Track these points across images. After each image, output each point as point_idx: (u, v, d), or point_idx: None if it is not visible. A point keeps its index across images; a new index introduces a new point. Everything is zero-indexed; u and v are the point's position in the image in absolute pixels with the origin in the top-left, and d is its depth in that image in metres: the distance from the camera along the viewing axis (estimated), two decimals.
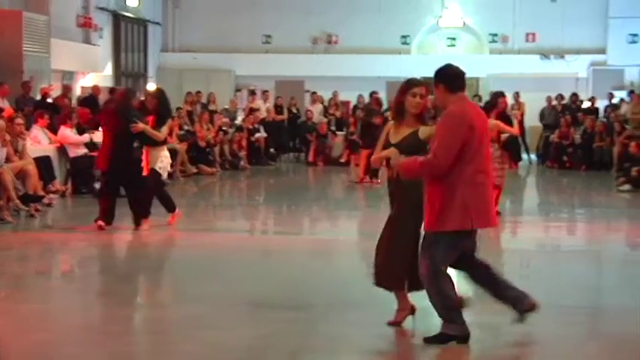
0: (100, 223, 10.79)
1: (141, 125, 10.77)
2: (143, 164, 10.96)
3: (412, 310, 6.37)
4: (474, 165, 5.73)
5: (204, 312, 6.85)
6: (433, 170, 5.74)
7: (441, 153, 5.68)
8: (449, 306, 5.84)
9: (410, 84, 6.34)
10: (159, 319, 6.82)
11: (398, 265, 6.21)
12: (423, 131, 6.24)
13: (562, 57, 24.99)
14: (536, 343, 6.19)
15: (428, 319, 6.16)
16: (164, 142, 11.26)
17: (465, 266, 6.02)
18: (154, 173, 11.03)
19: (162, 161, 11.15)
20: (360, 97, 23.13)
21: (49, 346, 5.96)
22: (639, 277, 9.07)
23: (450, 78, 5.91)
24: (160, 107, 11.07)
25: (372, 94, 22.59)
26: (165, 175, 11.67)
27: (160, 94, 11.44)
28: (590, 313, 7.29)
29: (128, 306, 7.45)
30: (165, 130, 11.12)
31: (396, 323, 6.32)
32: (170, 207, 11.34)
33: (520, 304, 5.95)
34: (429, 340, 5.91)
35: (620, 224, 13.01)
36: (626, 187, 16.29)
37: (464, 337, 5.85)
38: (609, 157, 20.38)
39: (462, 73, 5.95)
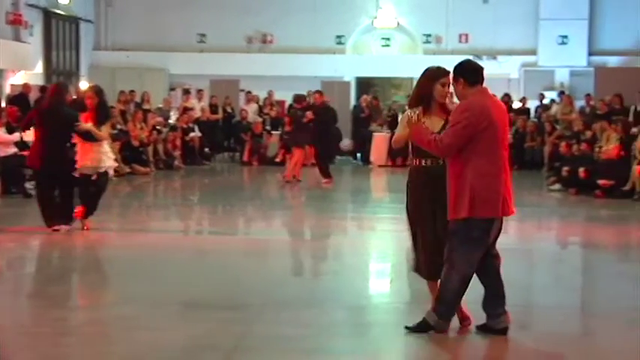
0: (56, 227, 10.54)
1: (86, 125, 10.55)
2: (77, 162, 10.73)
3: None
4: (486, 158, 5.95)
5: (138, 313, 6.78)
6: (436, 151, 6.04)
7: (448, 138, 5.94)
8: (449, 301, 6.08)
9: (439, 73, 6.37)
10: (91, 320, 6.72)
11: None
12: None
13: (494, 58, 25.31)
14: (467, 340, 6.25)
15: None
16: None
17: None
18: (104, 172, 10.86)
19: (109, 158, 10.99)
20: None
21: None
22: (569, 275, 9.25)
23: (468, 72, 6.14)
24: (100, 105, 10.85)
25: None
26: (111, 172, 11.49)
27: (100, 91, 11.14)
28: (520, 310, 7.37)
29: (59, 307, 7.33)
30: (106, 128, 10.96)
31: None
32: (91, 209, 10.94)
33: (496, 323, 6.16)
34: (412, 329, 6.10)
35: (551, 223, 13.23)
36: (557, 186, 16.58)
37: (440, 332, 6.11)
38: (540, 157, 20.73)
39: (480, 68, 6.20)
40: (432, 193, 6.19)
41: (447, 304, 6.09)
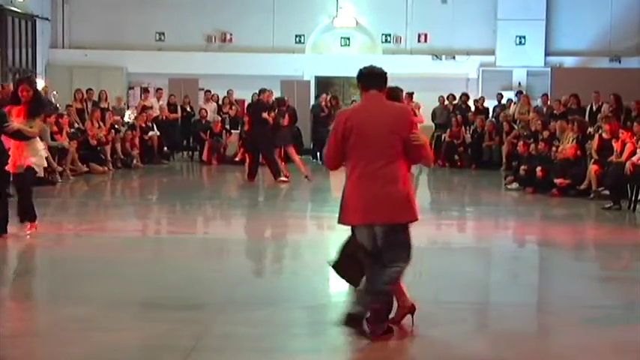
0: None
1: (14, 125, 9.92)
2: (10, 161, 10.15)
3: (412, 309, 6.38)
4: (352, 164, 6.02)
5: (95, 313, 6.72)
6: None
7: (325, 149, 6.24)
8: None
9: None
10: (46, 321, 6.65)
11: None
12: None
13: (453, 57, 25.48)
14: (423, 338, 6.28)
15: None
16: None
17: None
18: (30, 170, 10.24)
19: (41, 156, 10.43)
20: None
21: None
22: (525, 273, 9.33)
23: (361, 78, 6.24)
24: (34, 98, 10.18)
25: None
26: (41, 172, 10.92)
27: (34, 84, 10.52)
28: (477, 309, 7.44)
29: (14, 308, 7.26)
30: (38, 123, 10.29)
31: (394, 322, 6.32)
32: (31, 215, 10.42)
33: (360, 307, 5.96)
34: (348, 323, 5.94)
35: (508, 222, 13.35)
36: (514, 185, 16.72)
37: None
38: (498, 156, 20.89)
39: (374, 73, 6.23)
40: None
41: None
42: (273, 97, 18.53)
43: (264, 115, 17.36)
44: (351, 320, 5.86)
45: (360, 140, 5.95)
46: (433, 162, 6.63)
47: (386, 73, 6.22)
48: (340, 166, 6.16)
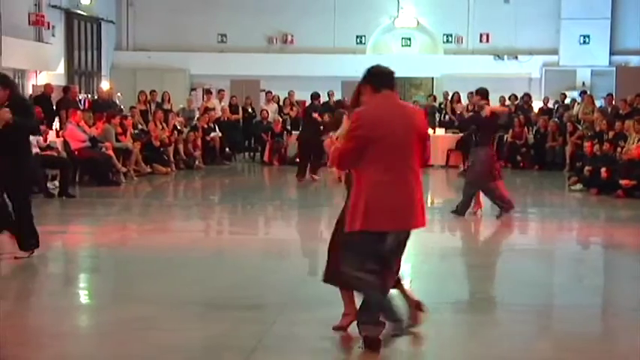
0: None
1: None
2: None
3: (418, 307, 6.25)
4: (379, 166, 5.63)
5: (157, 313, 6.79)
6: (334, 164, 5.93)
7: (338, 150, 5.80)
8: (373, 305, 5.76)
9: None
10: (109, 320, 6.73)
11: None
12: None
13: (515, 57, 25.27)
14: (489, 339, 6.24)
15: None
16: None
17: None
18: (27, 184, 9.12)
19: None
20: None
21: None
22: (590, 276, 9.19)
23: (374, 77, 5.88)
24: (13, 97, 8.73)
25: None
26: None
27: (9, 81, 8.97)
28: (540, 311, 7.36)
29: (78, 307, 7.37)
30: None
31: (341, 328, 6.22)
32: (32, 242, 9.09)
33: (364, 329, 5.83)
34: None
35: (572, 223, 13.16)
36: (578, 186, 16.48)
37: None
38: (562, 157, 20.62)
39: (389, 72, 5.90)
40: None
41: (365, 310, 5.82)
42: (334, 99, 18.67)
43: (315, 115, 17.70)
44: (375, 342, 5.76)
45: (384, 142, 5.62)
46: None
47: (394, 73, 5.91)
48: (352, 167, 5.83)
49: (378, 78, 5.85)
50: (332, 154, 5.90)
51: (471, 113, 12.32)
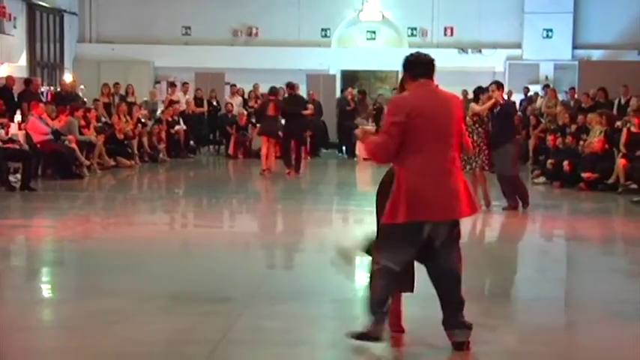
0: None
1: None
2: None
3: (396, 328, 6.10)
4: (421, 156, 5.49)
5: (121, 307, 6.74)
6: (374, 156, 5.69)
7: (380, 139, 5.59)
8: (372, 302, 5.67)
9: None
10: (72, 314, 6.68)
11: None
12: None
13: (479, 51, 25.39)
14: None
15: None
16: None
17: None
18: None
19: None
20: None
21: None
22: (553, 268, 9.28)
23: (410, 65, 5.70)
24: None
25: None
26: None
27: None
28: (505, 303, 7.41)
29: (39, 301, 7.31)
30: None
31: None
32: None
33: (450, 335, 5.74)
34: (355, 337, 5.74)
35: (535, 216, 13.26)
36: (541, 179, 16.63)
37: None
38: (525, 151, 20.77)
39: (424, 60, 5.70)
40: None
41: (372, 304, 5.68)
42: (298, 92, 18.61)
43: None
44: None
45: (424, 129, 5.45)
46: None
47: (434, 60, 5.70)
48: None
49: (415, 66, 5.68)
50: (368, 146, 5.69)
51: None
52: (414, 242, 5.57)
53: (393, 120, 5.49)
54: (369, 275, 5.76)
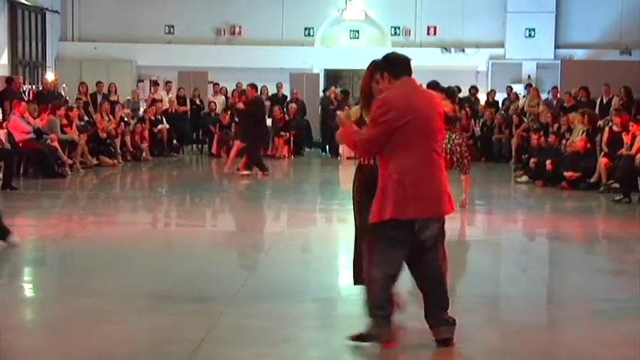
0: None
1: None
2: None
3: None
4: (410, 153, 5.50)
5: (104, 306, 6.73)
6: (358, 150, 5.86)
7: (365, 135, 5.62)
8: (372, 304, 5.67)
9: (373, 68, 6.00)
10: (55, 314, 6.66)
11: None
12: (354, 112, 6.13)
13: (462, 50, 25.44)
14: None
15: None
16: None
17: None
18: None
19: None
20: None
21: None
22: (535, 267, 9.32)
23: (391, 65, 5.73)
24: None
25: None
26: None
27: None
28: (487, 301, 7.43)
29: (22, 301, 7.28)
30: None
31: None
32: None
33: (436, 333, 5.77)
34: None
35: (518, 215, 13.32)
36: (524, 178, 16.69)
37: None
38: (508, 149, 20.86)
39: (405, 59, 5.74)
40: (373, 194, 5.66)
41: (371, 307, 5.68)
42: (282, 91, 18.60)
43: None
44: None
45: (411, 127, 5.46)
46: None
47: (410, 59, 5.75)
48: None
49: (396, 65, 5.70)
50: (351, 139, 5.72)
51: None
52: (405, 241, 5.57)
53: (382, 118, 5.51)
54: (365, 278, 5.72)
